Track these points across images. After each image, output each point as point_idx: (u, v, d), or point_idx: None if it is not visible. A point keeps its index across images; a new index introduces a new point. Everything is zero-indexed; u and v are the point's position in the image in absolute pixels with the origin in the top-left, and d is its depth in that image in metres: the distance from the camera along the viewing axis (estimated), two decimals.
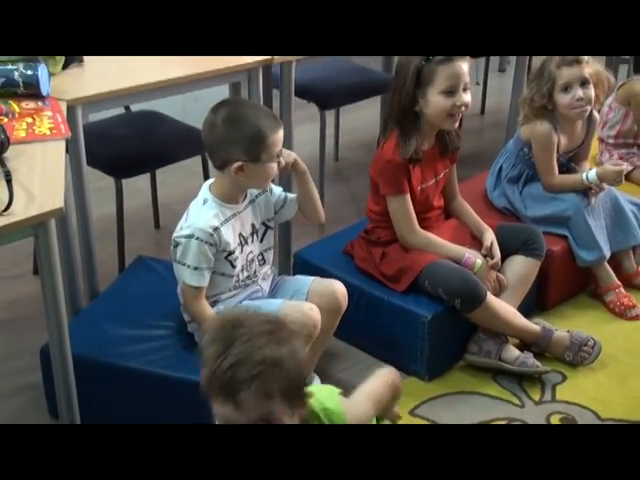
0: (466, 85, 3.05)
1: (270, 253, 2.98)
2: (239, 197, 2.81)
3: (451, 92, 3.03)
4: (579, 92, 3.45)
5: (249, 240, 2.85)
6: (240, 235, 2.80)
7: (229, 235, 2.75)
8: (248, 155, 2.65)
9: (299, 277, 3.04)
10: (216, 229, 2.70)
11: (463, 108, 3.07)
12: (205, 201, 2.76)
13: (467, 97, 3.06)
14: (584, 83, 3.47)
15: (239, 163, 2.66)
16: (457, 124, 3.15)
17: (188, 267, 2.69)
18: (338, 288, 2.90)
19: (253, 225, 2.87)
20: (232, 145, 2.66)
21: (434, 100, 3.04)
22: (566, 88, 3.47)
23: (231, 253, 2.77)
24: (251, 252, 2.86)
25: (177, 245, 2.72)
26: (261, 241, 2.92)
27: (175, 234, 2.75)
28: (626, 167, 3.73)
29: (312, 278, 2.96)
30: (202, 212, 2.73)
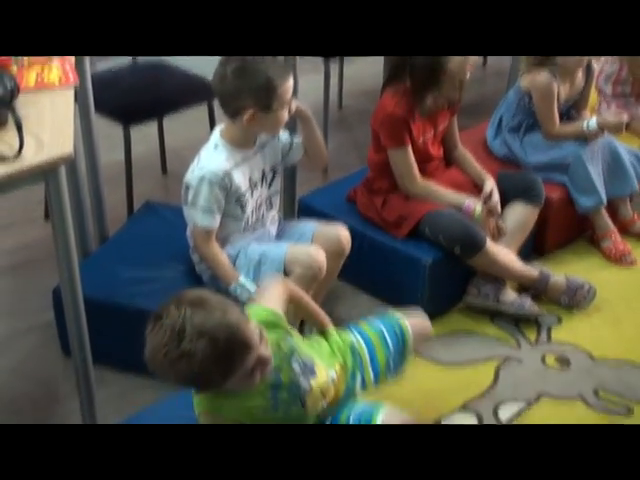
0: None
1: (277, 198, 2.99)
2: (249, 143, 2.81)
3: None
4: None
5: (258, 185, 2.86)
6: (250, 180, 2.81)
7: (240, 179, 2.76)
8: (259, 104, 2.65)
9: (304, 222, 3.06)
10: (227, 173, 2.71)
11: (472, 68, 3.08)
12: (216, 146, 2.77)
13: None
14: None
15: (251, 112, 2.66)
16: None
17: (198, 209, 2.71)
18: (342, 232, 2.91)
19: (263, 170, 2.88)
20: (243, 95, 2.66)
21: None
22: None
23: (241, 197, 2.78)
24: (260, 196, 2.87)
25: (188, 188, 2.73)
26: (269, 186, 2.93)
27: (187, 177, 2.76)
28: (626, 118, 3.73)
29: (316, 223, 2.98)
30: (213, 156, 2.74)
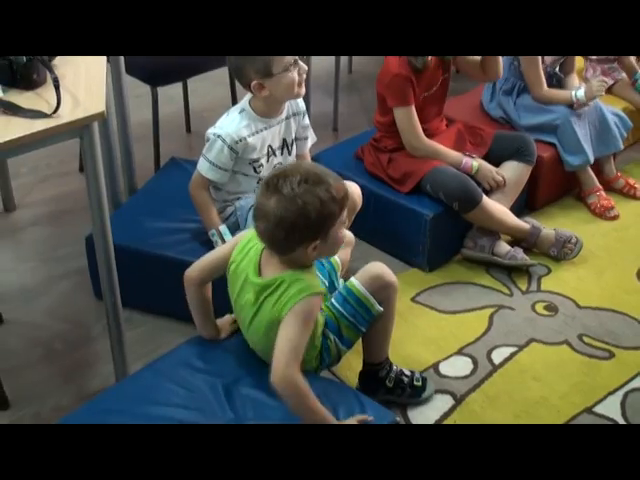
0: None
1: None
2: (274, 112, 2.75)
3: None
4: None
5: (277, 152, 2.81)
6: (269, 147, 2.76)
7: (256, 145, 2.71)
8: (260, 72, 2.59)
9: None
10: (242, 138, 2.67)
11: None
12: (242, 110, 2.72)
13: None
14: None
15: (256, 82, 2.61)
16: None
17: (207, 161, 2.68)
18: (354, 189, 2.85)
19: (284, 140, 2.83)
20: (244, 68, 2.62)
21: None
22: None
23: (254, 162, 2.74)
24: (280, 163, 2.82)
25: (207, 139, 2.70)
26: (290, 154, 2.87)
27: (209, 129, 2.72)
28: (609, 80, 3.68)
29: None
30: (236, 119, 2.70)
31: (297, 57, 2.62)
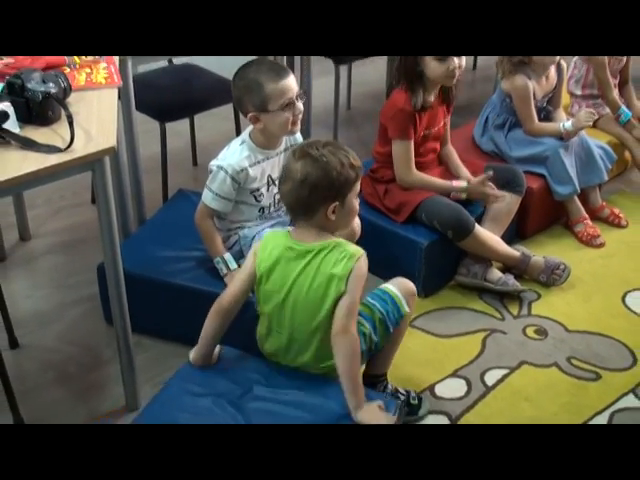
0: None
1: None
2: (273, 144, 2.75)
3: (444, 58, 2.97)
4: None
5: (277, 182, 2.80)
6: (269, 177, 2.75)
7: (256, 176, 2.71)
8: (256, 106, 2.60)
9: None
10: (244, 169, 2.67)
11: (457, 71, 3.01)
12: (243, 142, 2.72)
13: (456, 62, 2.98)
14: None
15: (253, 114, 2.62)
16: (454, 82, 3.08)
17: (211, 191, 2.68)
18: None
19: None
20: (243, 100, 2.63)
21: (431, 65, 3.01)
22: None
23: (255, 191, 2.74)
24: (278, 193, 2.82)
25: (210, 171, 2.71)
26: None
27: (212, 162, 2.72)
28: (595, 114, 3.70)
29: None
30: (237, 151, 2.70)
31: (295, 98, 2.62)
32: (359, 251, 2.18)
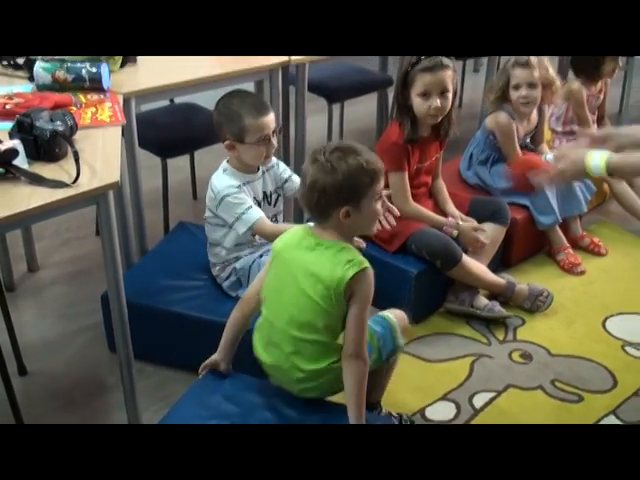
0: (444, 91, 2.99)
1: (281, 215, 2.92)
2: (251, 169, 2.76)
3: (426, 96, 2.99)
4: (524, 92, 3.46)
5: (262, 204, 2.80)
6: (254, 199, 2.76)
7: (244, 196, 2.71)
8: (234, 136, 2.63)
9: None
10: (239, 186, 2.68)
11: (435, 112, 3.02)
12: (224, 170, 2.74)
13: (438, 102, 2.99)
14: (531, 85, 3.46)
15: (228, 142, 2.65)
16: (437, 120, 3.09)
17: (239, 216, 2.64)
18: None
19: (265, 192, 2.82)
20: (223, 127, 2.66)
21: (415, 101, 3.03)
22: (516, 86, 3.47)
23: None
24: (266, 214, 2.81)
25: (216, 216, 2.70)
26: (274, 206, 2.87)
27: (208, 213, 2.74)
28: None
29: None
30: (223, 178, 2.71)
31: (271, 134, 2.65)
32: (367, 263, 2.09)
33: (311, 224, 2.19)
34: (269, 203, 2.85)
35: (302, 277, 2.10)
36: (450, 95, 3.02)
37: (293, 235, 2.19)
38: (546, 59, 3.52)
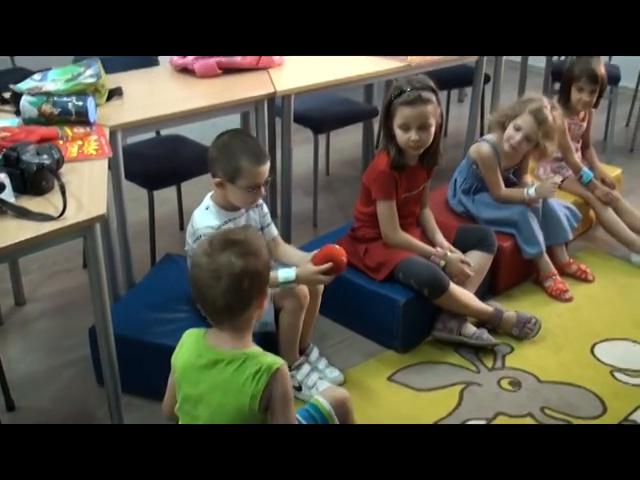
0: (423, 125, 3.00)
1: None
2: (235, 207, 2.78)
3: (406, 128, 3.02)
4: (516, 138, 3.48)
5: None
6: None
7: None
8: (226, 175, 2.65)
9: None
10: (219, 227, 2.69)
11: (414, 145, 3.04)
12: (207, 207, 2.76)
13: (416, 136, 3.00)
14: (526, 138, 3.48)
15: (219, 179, 2.67)
16: (419, 152, 3.10)
17: None
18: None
19: None
20: (218, 165, 2.67)
21: (396, 132, 3.05)
22: (517, 128, 3.48)
23: None
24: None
25: (191, 255, 2.70)
26: None
27: (187, 246, 2.76)
28: (558, 179, 3.74)
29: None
30: (204, 216, 2.73)
31: (262, 184, 2.68)
32: (276, 362, 1.94)
33: (203, 331, 2.07)
34: None
35: (212, 400, 1.98)
36: (432, 129, 3.03)
37: (190, 352, 2.04)
38: (555, 121, 3.51)
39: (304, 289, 2.79)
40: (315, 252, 2.78)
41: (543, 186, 3.58)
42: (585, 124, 4.09)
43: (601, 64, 3.92)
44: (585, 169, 3.99)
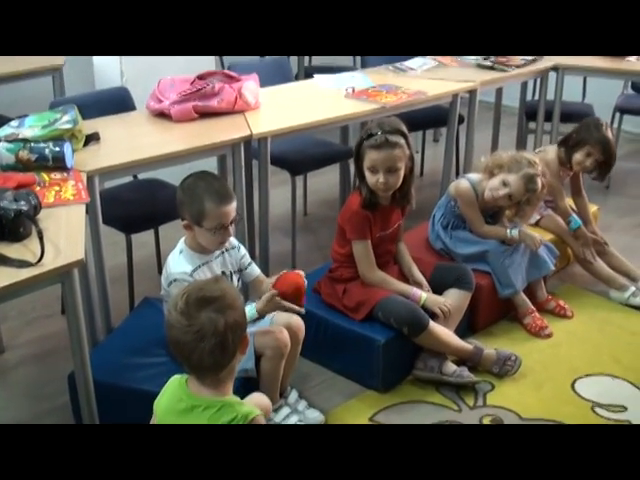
0: (390, 168, 3.03)
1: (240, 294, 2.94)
2: (207, 250, 2.79)
3: (374, 171, 3.05)
4: (500, 192, 3.51)
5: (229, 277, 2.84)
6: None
7: (202, 278, 2.72)
8: (192, 218, 2.67)
9: None
10: (191, 273, 2.70)
11: (382, 187, 3.07)
12: (181, 251, 2.77)
13: (383, 179, 3.04)
14: (509, 195, 3.51)
15: (186, 222, 2.69)
16: (387, 194, 3.14)
17: None
18: (293, 320, 2.89)
19: (224, 272, 2.85)
20: (184, 207, 2.70)
21: (366, 173, 3.09)
22: (503, 183, 3.51)
23: None
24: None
25: (166, 300, 2.72)
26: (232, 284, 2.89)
27: (163, 285, 2.76)
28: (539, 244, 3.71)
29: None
30: (178, 260, 2.74)
31: (229, 223, 2.69)
32: (252, 412, 1.96)
33: (186, 377, 2.08)
34: (231, 283, 2.87)
35: None
36: (400, 172, 3.07)
37: (171, 397, 2.07)
38: (542, 190, 3.54)
39: (285, 337, 2.80)
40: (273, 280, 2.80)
41: (527, 235, 3.60)
42: (572, 173, 4.05)
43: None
44: (574, 215, 4.01)
